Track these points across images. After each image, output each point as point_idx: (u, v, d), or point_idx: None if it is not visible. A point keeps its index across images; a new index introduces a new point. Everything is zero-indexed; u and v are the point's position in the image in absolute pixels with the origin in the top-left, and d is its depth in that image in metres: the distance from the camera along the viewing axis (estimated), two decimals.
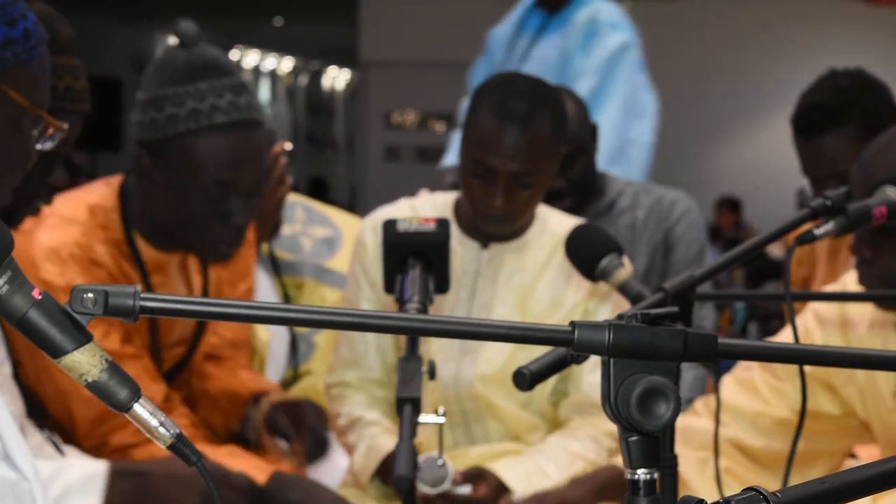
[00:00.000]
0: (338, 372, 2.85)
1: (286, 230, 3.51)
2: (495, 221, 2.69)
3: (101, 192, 2.68)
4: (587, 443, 2.68)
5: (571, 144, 3.30)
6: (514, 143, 2.61)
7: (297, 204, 3.64)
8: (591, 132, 3.45)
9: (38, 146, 1.95)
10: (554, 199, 3.38)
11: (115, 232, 2.63)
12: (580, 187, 3.45)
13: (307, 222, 3.59)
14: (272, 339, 3.35)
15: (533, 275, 2.78)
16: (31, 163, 1.95)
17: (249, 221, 2.63)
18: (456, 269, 2.77)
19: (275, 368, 3.39)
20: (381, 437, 2.70)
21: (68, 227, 2.60)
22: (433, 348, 2.77)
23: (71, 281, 2.54)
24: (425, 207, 2.82)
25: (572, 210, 3.41)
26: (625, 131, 4.37)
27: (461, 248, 2.79)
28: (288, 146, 3.27)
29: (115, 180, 2.70)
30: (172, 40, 2.69)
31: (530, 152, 2.62)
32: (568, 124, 3.12)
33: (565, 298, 2.76)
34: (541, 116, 2.62)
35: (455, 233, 2.79)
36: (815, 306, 2.53)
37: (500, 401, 2.76)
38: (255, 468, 2.52)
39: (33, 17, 1.91)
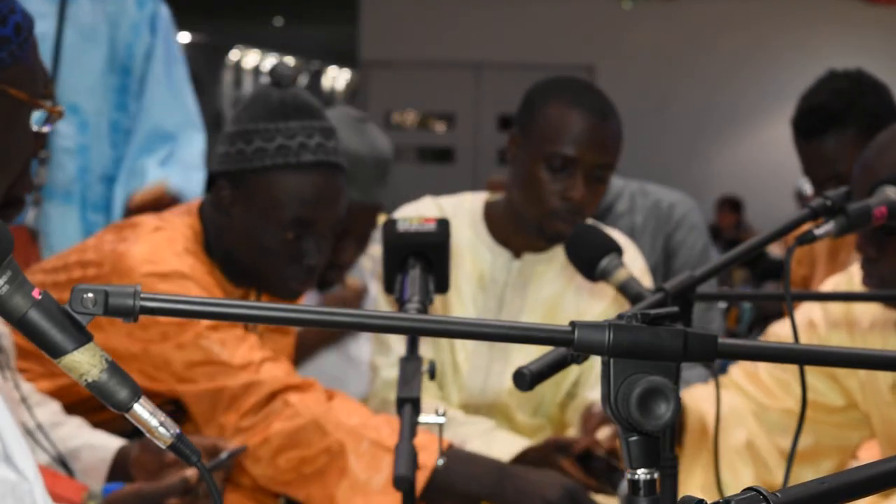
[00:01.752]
0: (393, 368, 2.80)
1: None
2: (567, 216, 2.65)
3: (184, 214, 2.71)
4: None
5: None
6: (596, 132, 2.63)
7: None
8: None
9: (36, 129, 1.95)
10: None
11: (203, 256, 2.67)
12: None
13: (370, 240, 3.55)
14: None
15: (561, 286, 2.76)
16: (33, 151, 1.95)
17: (322, 264, 2.64)
18: (485, 277, 2.76)
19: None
20: (496, 432, 2.67)
21: (171, 230, 2.64)
22: (460, 356, 2.75)
23: (192, 270, 2.57)
24: (451, 207, 2.81)
25: None
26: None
27: (491, 255, 2.77)
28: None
29: (194, 205, 2.73)
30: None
31: (608, 144, 2.64)
32: None
33: (591, 308, 2.76)
34: (613, 112, 2.67)
35: (486, 240, 2.78)
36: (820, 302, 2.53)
37: (515, 410, 2.76)
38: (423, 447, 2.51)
39: (20, 7, 1.91)
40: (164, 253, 2.57)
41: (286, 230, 2.56)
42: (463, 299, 2.75)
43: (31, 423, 2.41)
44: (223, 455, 2.29)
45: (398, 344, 2.79)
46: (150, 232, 2.62)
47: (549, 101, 2.67)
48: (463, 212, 2.78)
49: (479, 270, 2.76)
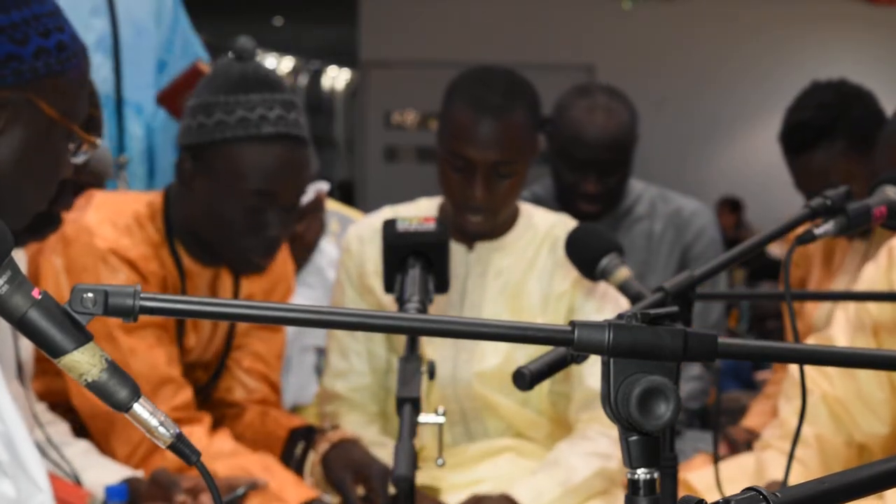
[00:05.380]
0: (329, 380, 2.85)
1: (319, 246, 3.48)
2: (476, 214, 2.70)
3: (150, 196, 2.73)
4: (599, 440, 2.67)
5: (619, 151, 3.32)
6: (491, 133, 2.64)
7: (333, 214, 3.60)
8: (635, 141, 3.46)
9: (72, 159, 1.96)
10: (585, 202, 3.38)
11: (159, 232, 2.67)
12: (613, 194, 3.46)
13: (341, 234, 3.57)
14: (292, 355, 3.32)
15: (521, 271, 2.78)
16: (61, 175, 1.97)
17: (284, 236, 2.65)
18: None
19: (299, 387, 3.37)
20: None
21: (121, 204, 2.66)
22: (427, 349, 2.77)
23: (125, 250, 2.59)
24: (408, 214, 2.82)
25: (596, 214, 3.41)
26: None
27: None
28: (325, 186, 3.29)
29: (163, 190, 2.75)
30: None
31: (507, 141, 2.65)
32: (624, 127, 3.13)
33: (552, 290, 2.77)
34: (516, 105, 2.66)
35: None
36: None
37: (498, 398, 2.76)
38: (293, 489, 2.53)
39: (72, 29, 1.92)
40: (103, 227, 2.58)
41: (247, 202, 2.56)
42: None
43: (42, 437, 2.41)
44: (239, 491, 2.36)
45: (336, 355, 2.85)
46: (101, 203, 2.64)
47: (454, 99, 2.70)
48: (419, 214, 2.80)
49: None
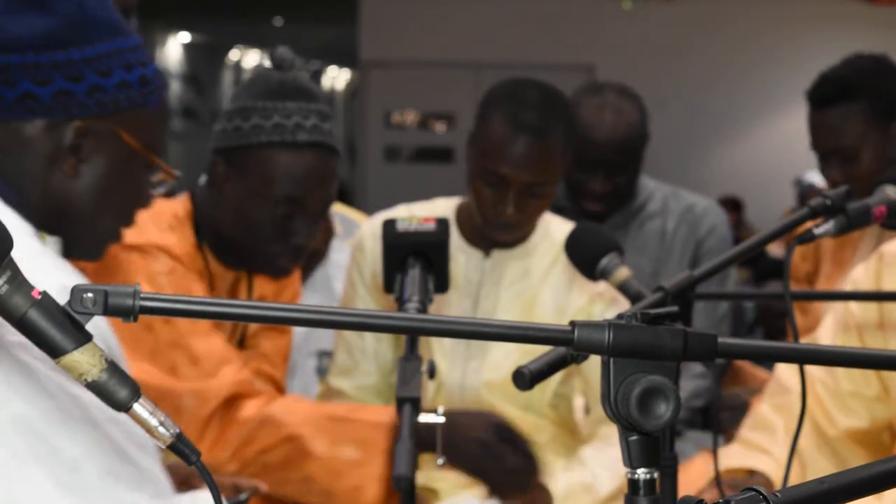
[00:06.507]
0: (335, 378, 2.85)
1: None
2: (503, 229, 2.69)
3: (179, 200, 2.75)
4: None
5: (627, 151, 3.31)
6: (528, 153, 2.61)
7: (335, 214, 3.62)
8: (645, 141, 3.46)
9: (152, 191, 2.01)
10: (592, 200, 3.37)
11: (190, 236, 2.69)
12: (622, 193, 3.45)
13: (344, 236, 3.58)
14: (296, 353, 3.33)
15: (536, 281, 2.77)
16: (140, 206, 2.02)
17: (310, 244, 2.68)
18: (458, 277, 2.77)
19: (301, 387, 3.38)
20: None
21: (158, 207, 2.66)
22: (437, 355, 2.76)
23: (171, 245, 2.60)
24: (425, 213, 2.81)
25: (604, 213, 3.40)
26: None
27: (464, 256, 2.78)
28: None
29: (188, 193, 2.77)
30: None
31: (543, 163, 2.63)
32: (634, 127, 3.12)
33: (569, 304, 2.76)
34: (554, 127, 2.63)
35: (457, 241, 2.79)
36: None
37: (503, 405, 2.76)
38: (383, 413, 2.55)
39: (154, 65, 1.97)
40: (147, 226, 2.59)
41: (277, 208, 2.58)
42: (437, 302, 2.76)
43: None
44: (242, 496, 2.38)
45: (343, 353, 2.85)
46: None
47: (492, 114, 2.68)
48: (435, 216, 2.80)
49: (452, 272, 2.77)
